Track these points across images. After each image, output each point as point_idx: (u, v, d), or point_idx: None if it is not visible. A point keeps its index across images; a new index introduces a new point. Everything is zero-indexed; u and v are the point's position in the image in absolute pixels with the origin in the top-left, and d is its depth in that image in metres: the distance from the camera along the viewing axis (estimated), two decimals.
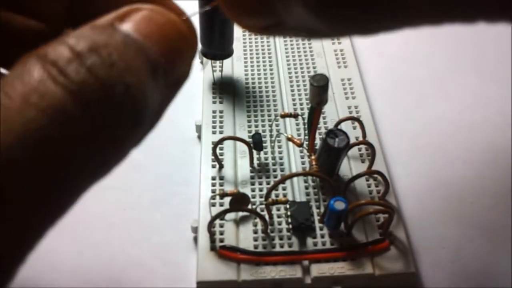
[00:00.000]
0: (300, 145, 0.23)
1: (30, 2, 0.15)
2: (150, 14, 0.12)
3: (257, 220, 0.21)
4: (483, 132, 0.26)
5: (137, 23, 0.12)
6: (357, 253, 0.21)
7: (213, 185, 0.23)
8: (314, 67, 0.28)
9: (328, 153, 0.22)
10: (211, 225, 0.21)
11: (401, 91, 0.29)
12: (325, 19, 0.12)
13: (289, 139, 0.23)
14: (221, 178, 0.23)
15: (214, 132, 0.25)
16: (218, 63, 0.27)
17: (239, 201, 0.22)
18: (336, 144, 0.21)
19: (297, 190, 0.23)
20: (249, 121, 0.26)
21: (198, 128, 0.26)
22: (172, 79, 0.12)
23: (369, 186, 0.23)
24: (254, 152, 0.23)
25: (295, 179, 0.23)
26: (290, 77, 0.28)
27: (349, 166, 0.24)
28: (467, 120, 0.27)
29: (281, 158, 0.24)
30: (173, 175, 0.23)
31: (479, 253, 0.22)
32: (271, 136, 0.25)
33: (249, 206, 0.22)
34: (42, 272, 0.21)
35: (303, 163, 0.24)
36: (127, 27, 0.12)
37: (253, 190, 0.23)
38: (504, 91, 0.28)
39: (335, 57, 0.29)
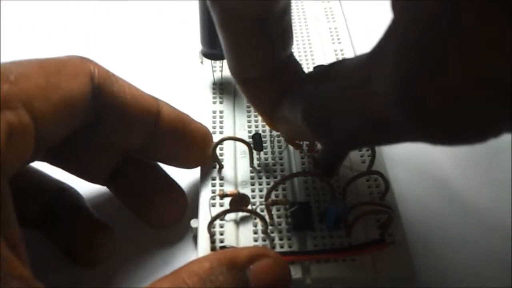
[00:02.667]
0: (298, 147, 0.23)
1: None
2: (271, 264, 0.18)
3: (257, 220, 0.21)
4: None
5: (258, 272, 0.17)
6: (356, 253, 0.21)
7: (213, 185, 0.23)
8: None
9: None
10: (211, 225, 0.21)
11: None
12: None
13: (287, 141, 0.23)
14: (221, 178, 0.23)
15: (214, 132, 0.25)
16: (218, 63, 0.27)
17: (239, 202, 0.22)
18: None
19: (297, 190, 0.23)
20: (249, 121, 0.26)
21: None
22: None
23: (369, 186, 0.23)
24: (254, 152, 0.23)
25: (295, 179, 0.23)
26: None
27: (349, 166, 0.23)
28: None
29: (281, 158, 0.24)
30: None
31: (479, 254, 0.22)
32: (271, 136, 0.25)
33: (249, 207, 0.22)
34: None
35: (303, 163, 0.24)
36: (251, 275, 0.17)
37: (253, 191, 0.23)
38: None
39: (335, 57, 0.29)
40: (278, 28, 0.19)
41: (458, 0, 0.11)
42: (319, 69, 0.21)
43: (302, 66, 0.22)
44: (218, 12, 0.18)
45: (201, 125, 0.23)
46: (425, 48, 0.12)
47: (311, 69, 0.28)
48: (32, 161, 0.20)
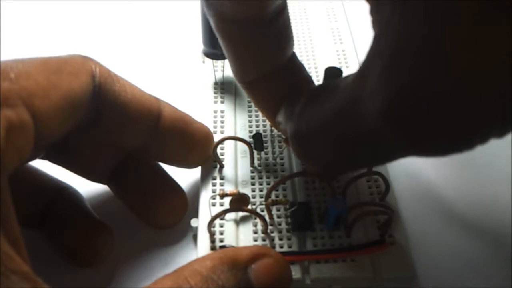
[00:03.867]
0: None
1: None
2: (272, 263, 0.17)
3: (257, 220, 0.21)
4: None
5: (260, 272, 0.17)
6: (356, 254, 0.20)
7: (214, 185, 0.23)
8: (315, 67, 0.28)
9: None
10: (211, 225, 0.21)
11: None
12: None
13: (286, 141, 0.23)
14: (222, 178, 0.23)
15: (215, 132, 0.25)
16: (219, 62, 0.27)
17: (239, 201, 0.22)
18: None
19: (297, 190, 0.23)
20: (250, 121, 0.26)
21: None
22: None
23: (369, 187, 0.23)
24: (255, 152, 0.23)
25: (295, 179, 0.23)
26: None
27: None
28: None
29: (281, 158, 0.24)
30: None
31: (479, 254, 0.22)
32: (271, 136, 0.25)
33: (249, 206, 0.22)
34: None
35: (303, 163, 0.24)
36: (252, 274, 0.17)
37: (253, 190, 0.23)
38: None
39: (337, 57, 0.29)
40: (274, 30, 0.19)
41: (437, 24, 0.11)
42: (317, 86, 0.20)
43: (304, 66, 0.22)
44: (213, 16, 0.19)
45: (202, 125, 0.23)
46: (407, 65, 0.12)
47: (312, 70, 0.28)
48: (33, 159, 0.20)
